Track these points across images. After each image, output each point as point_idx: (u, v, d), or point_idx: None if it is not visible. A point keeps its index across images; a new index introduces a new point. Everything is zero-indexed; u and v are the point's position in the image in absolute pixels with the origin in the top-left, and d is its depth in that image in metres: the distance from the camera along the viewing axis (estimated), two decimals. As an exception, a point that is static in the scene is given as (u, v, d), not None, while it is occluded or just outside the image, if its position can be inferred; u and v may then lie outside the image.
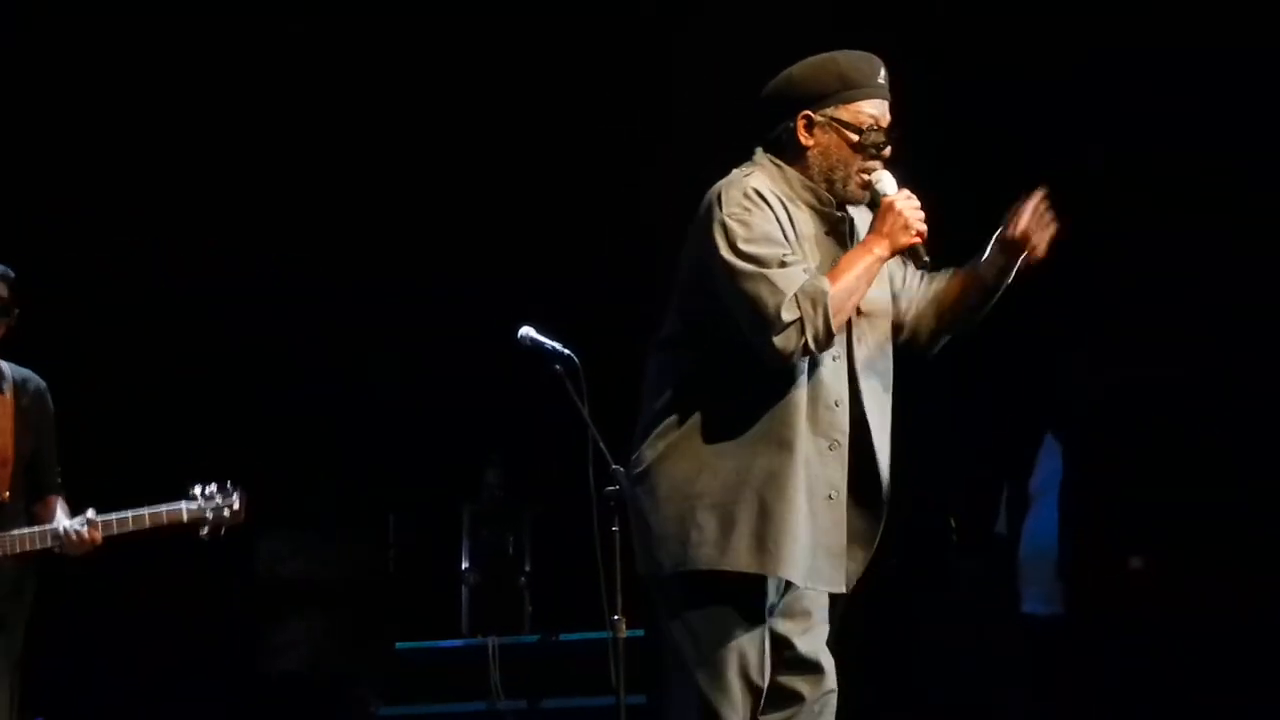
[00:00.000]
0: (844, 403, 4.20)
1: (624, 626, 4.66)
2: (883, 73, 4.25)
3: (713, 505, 4.13)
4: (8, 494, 5.81)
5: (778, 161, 4.25)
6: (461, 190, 8.54)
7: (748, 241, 4.07)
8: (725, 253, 4.08)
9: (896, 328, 4.38)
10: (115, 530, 5.71)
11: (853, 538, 4.26)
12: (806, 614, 4.28)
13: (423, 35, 8.44)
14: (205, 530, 5.78)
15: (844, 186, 4.22)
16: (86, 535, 5.68)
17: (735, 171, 4.24)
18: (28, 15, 8.18)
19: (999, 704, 7.67)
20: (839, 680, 4.36)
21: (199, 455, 5.71)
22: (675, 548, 4.15)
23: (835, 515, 4.20)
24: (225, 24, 8.32)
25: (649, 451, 4.21)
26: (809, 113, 4.21)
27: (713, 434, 4.14)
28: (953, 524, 8.13)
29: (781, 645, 4.24)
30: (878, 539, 4.30)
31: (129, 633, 7.86)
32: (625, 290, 7.13)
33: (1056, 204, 4.27)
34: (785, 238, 4.11)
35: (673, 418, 4.18)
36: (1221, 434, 7.76)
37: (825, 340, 4.05)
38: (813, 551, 4.16)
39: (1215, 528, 7.66)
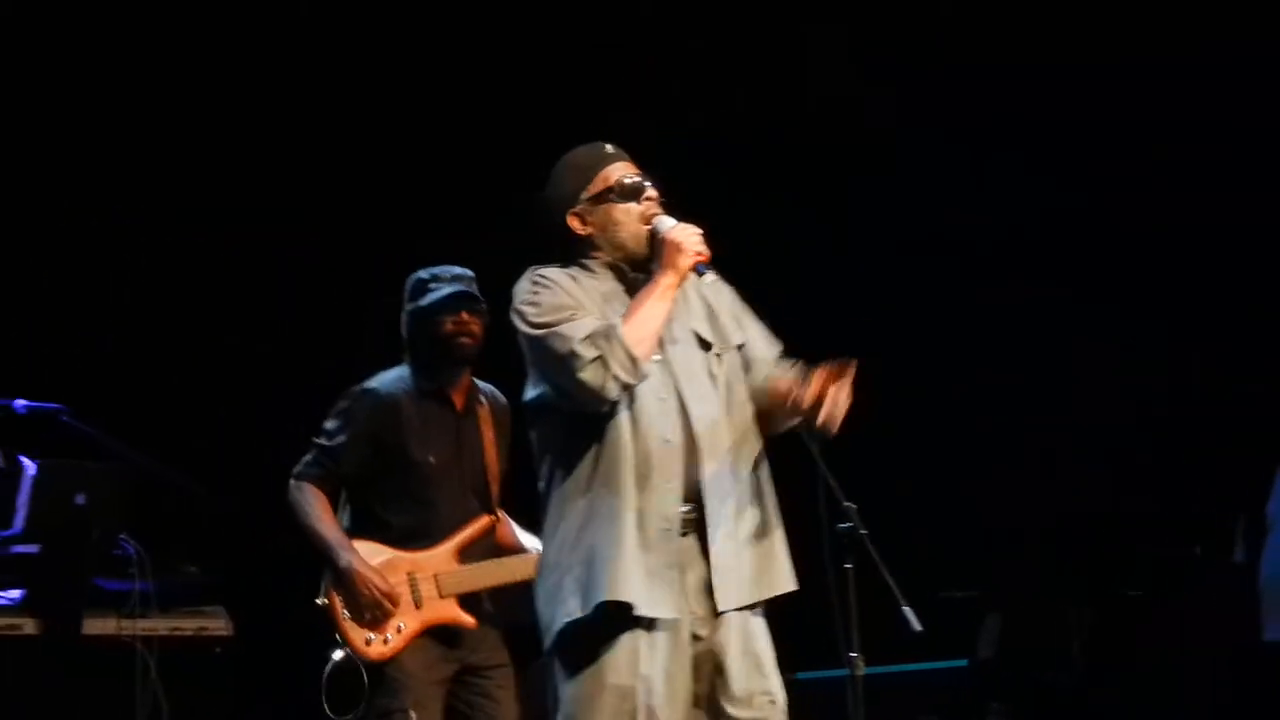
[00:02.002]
0: (676, 440, 4.49)
1: (862, 664, 4.65)
2: (608, 146, 4.68)
3: (567, 564, 4.47)
4: (500, 512, 5.94)
5: (578, 261, 4.63)
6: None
7: (539, 314, 4.50)
8: (524, 330, 4.52)
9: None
10: None
11: (722, 567, 4.51)
12: (722, 665, 4.55)
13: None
14: None
15: (635, 244, 4.61)
16: None
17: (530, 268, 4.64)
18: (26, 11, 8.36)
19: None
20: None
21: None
22: (548, 612, 4.50)
23: (671, 546, 4.46)
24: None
25: (544, 538, 4.59)
26: (571, 211, 4.64)
27: (571, 502, 4.49)
28: (1197, 553, 8.04)
29: (707, 698, 4.54)
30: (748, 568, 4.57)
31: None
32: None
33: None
34: (578, 302, 4.50)
35: (548, 502, 4.56)
36: None
37: (631, 368, 4.40)
38: (650, 582, 4.42)
39: None
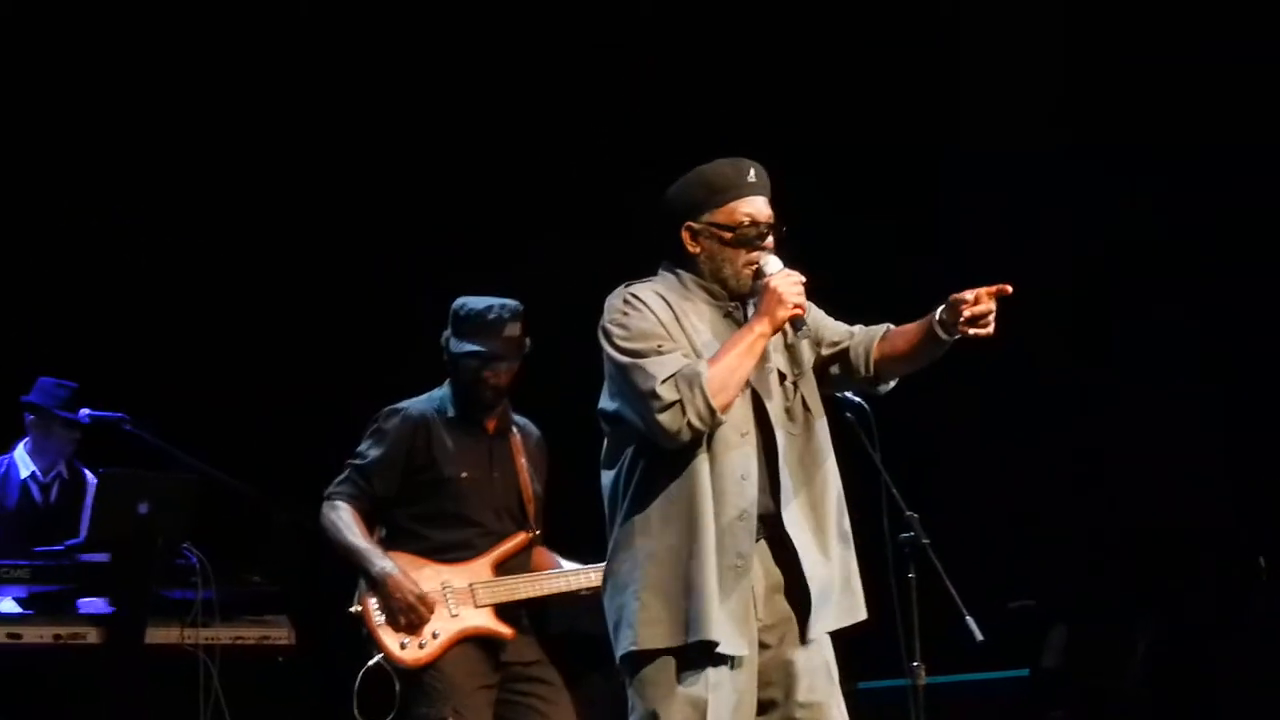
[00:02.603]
0: (751, 476, 4.47)
1: (923, 673, 4.64)
2: (753, 172, 4.58)
3: (645, 588, 4.45)
4: (539, 531, 5.99)
5: (675, 270, 4.62)
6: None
7: (625, 339, 4.48)
8: (610, 352, 4.50)
9: (843, 370, 4.65)
10: None
11: (796, 596, 4.50)
12: (789, 673, 4.51)
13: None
14: None
15: (736, 281, 4.57)
16: None
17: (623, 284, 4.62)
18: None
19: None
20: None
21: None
22: (625, 631, 4.47)
23: (742, 584, 4.45)
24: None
25: (611, 552, 4.55)
26: (689, 223, 4.58)
27: (642, 523, 4.47)
28: (1261, 563, 8.01)
29: (773, 706, 4.51)
30: (830, 599, 4.52)
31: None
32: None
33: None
34: (667, 332, 4.49)
35: (617, 516, 4.53)
36: None
37: (708, 418, 4.38)
38: (729, 620, 4.41)
39: None
